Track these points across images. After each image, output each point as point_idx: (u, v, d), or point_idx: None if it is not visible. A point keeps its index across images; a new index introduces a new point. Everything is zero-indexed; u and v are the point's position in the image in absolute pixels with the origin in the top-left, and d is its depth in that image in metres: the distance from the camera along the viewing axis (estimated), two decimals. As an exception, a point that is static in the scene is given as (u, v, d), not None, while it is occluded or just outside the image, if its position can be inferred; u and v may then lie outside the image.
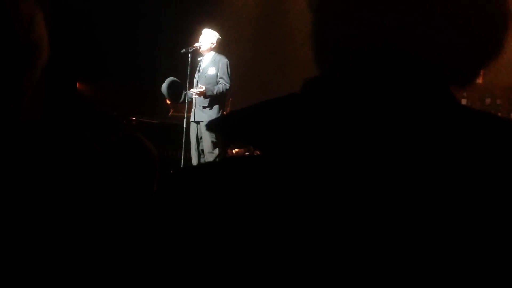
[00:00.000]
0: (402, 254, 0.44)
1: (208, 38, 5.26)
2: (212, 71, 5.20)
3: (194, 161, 5.29)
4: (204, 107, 5.17)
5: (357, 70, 0.50)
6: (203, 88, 5.07)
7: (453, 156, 0.45)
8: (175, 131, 5.85)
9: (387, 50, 0.49)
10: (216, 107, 5.17)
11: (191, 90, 5.17)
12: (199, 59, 5.39)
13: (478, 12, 0.49)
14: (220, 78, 5.16)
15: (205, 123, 5.07)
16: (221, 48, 5.39)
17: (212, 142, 5.10)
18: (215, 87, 5.11)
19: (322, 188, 0.46)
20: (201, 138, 5.24)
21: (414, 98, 0.48)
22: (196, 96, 5.16)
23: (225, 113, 5.42)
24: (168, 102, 5.78)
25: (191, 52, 5.33)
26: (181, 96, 5.45)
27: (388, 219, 0.44)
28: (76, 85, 7.45)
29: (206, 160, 5.05)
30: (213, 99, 5.13)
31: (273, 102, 0.51)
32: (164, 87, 5.45)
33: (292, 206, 0.46)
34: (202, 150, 5.24)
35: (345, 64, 0.51)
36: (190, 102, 5.33)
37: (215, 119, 0.56)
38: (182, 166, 5.30)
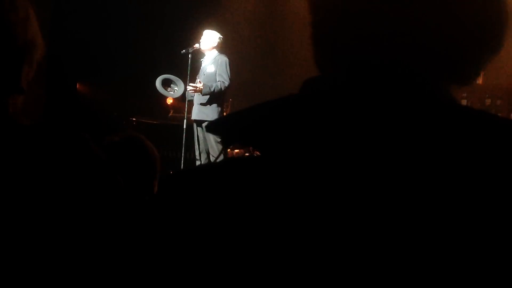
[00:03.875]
0: (401, 254, 0.44)
1: (209, 39, 5.26)
2: (211, 69, 5.20)
3: (198, 162, 5.29)
4: (203, 105, 5.17)
5: (356, 71, 0.50)
6: (201, 84, 5.07)
7: (450, 155, 0.45)
8: (175, 132, 5.85)
9: (387, 50, 0.49)
10: (215, 106, 5.16)
11: (190, 84, 5.17)
12: (201, 60, 5.39)
13: (476, 10, 0.49)
14: (219, 75, 5.15)
15: (207, 124, 5.10)
16: (223, 48, 5.39)
17: (217, 142, 5.09)
18: (213, 84, 5.09)
19: (321, 189, 0.46)
20: (204, 138, 5.24)
21: (412, 99, 0.48)
22: (195, 94, 5.16)
23: (225, 113, 5.42)
24: (169, 101, 5.77)
25: (191, 53, 5.33)
26: (174, 89, 5.47)
27: (388, 220, 0.44)
28: (76, 85, 7.45)
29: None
30: (212, 97, 5.12)
31: (272, 103, 0.51)
32: (159, 88, 5.46)
33: (292, 207, 0.46)
34: (207, 150, 5.23)
35: (345, 65, 0.51)
36: (190, 102, 5.33)
37: (214, 120, 0.56)
38: (182, 166, 5.31)
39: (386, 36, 0.49)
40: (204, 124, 5.17)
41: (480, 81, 5.83)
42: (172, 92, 5.56)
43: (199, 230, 0.48)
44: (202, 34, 5.33)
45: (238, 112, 0.54)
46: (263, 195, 0.47)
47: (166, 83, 5.51)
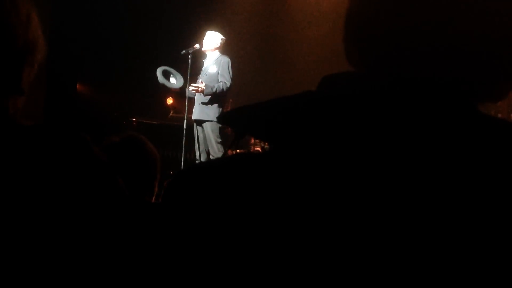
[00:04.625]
0: (407, 254, 0.43)
1: (212, 40, 5.26)
2: (213, 69, 5.22)
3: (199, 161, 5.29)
4: (204, 105, 5.17)
5: (378, 73, 0.49)
6: (203, 85, 5.07)
7: (460, 158, 0.44)
8: (175, 132, 5.86)
9: (422, 58, 0.48)
10: (216, 106, 5.17)
11: (192, 84, 5.17)
12: (203, 60, 5.40)
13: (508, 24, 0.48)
14: (221, 76, 5.16)
15: (208, 123, 5.11)
16: (225, 48, 5.39)
17: (218, 142, 5.11)
18: (215, 84, 5.11)
19: (331, 187, 0.45)
20: (204, 139, 5.24)
21: (429, 105, 0.47)
22: (196, 93, 5.16)
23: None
24: (169, 101, 5.75)
25: (191, 53, 5.33)
26: (173, 83, 5.43)
27: (396, 220, 0.44)
28: (76, 86, 7.45)
29: None
30: (214, 97, 5.13)
31: (288, 99, 0.51)
32: (159, 77, 5.42)
33: (303, 204, 0.45)
34: (207, 151, 5.23)
35: (379, 63, 0.50)
36: (191, 102, 5.33)
37: (227, 111, 0.55)
38: (182, 167, 5.31)
39: (424, 44, 0.47)
40: (204, 124, 5.18)
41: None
42: (171, 83, 5.52)
43: (211, 228, 0.47)
44: (204, 35, 5.33)
45: (253, 104, 0.53)
46: (274, 192, 0.46)
47: (166, 76, 5.49)
